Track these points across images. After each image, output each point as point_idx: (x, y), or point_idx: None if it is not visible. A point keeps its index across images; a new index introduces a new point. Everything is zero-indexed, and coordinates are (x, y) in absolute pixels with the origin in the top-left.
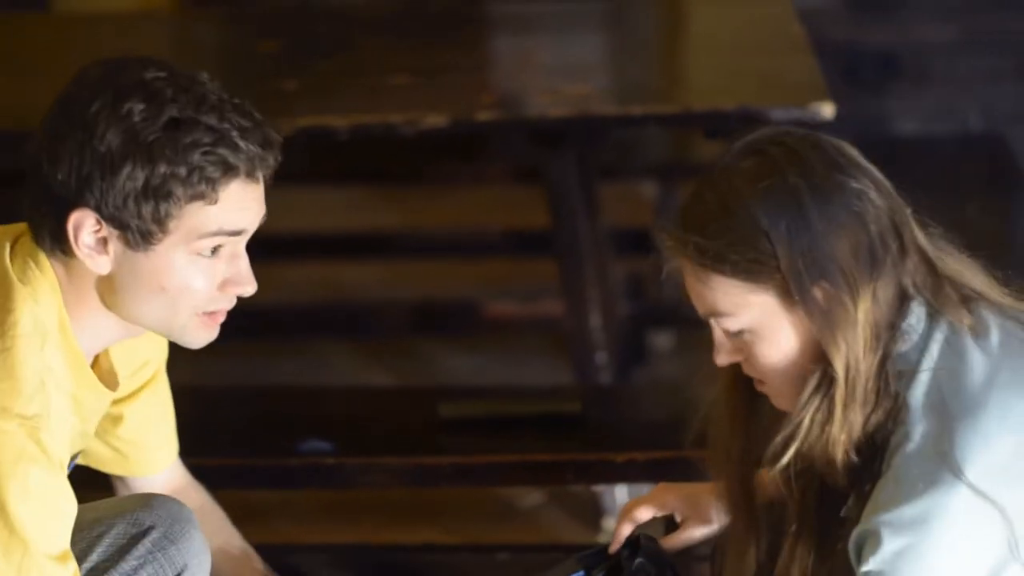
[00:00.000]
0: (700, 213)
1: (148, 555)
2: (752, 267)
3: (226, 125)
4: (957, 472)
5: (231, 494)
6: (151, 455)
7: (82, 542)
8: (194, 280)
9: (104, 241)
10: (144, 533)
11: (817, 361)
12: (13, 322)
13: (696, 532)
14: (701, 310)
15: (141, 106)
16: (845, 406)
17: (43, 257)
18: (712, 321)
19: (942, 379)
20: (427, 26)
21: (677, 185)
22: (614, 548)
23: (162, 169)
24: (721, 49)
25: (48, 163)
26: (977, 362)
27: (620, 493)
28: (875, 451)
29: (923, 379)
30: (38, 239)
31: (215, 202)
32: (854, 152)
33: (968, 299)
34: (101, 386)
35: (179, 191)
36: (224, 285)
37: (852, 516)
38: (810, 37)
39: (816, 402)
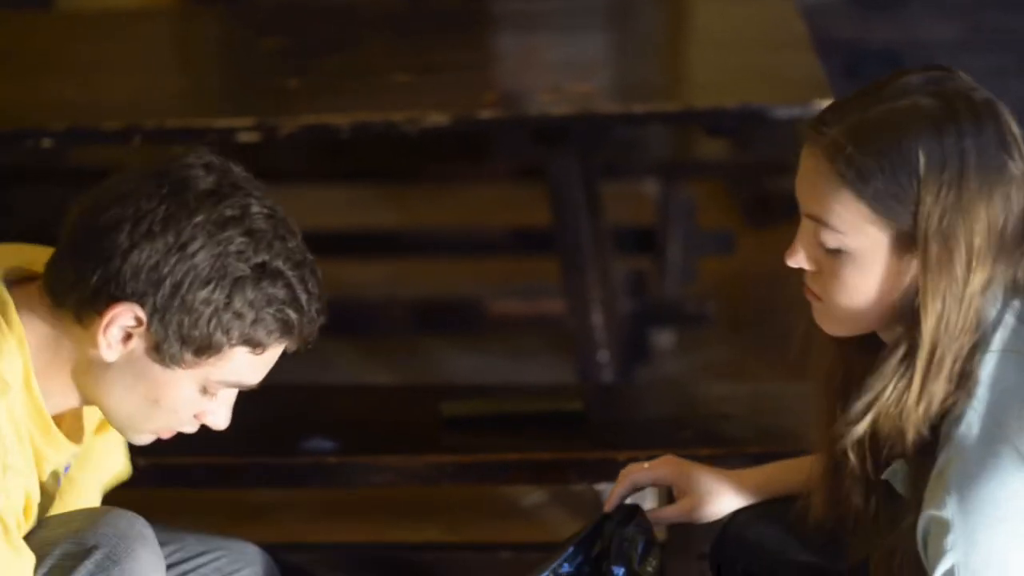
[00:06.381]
0: (866, 127)
1: None
2: (889, 201)
3: (301, 289)
4: None
5: (234, 492)
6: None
7: None
8: (183, 408)
9: (129, 337)
10: (87, 554)
11: (892, 318)
12: None
13: (686, 509)
14: (809, 210)
15: (242, 239)
16: (925, 377)
17: (12, 309)
18: (809, 222)
19: (1016, 360)
20: (429, 24)
21: (679, 183)
22: (609, 507)
23: (235, 308)
24: (723, 46)
25: (127, 241)
26: None
27: None
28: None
29: (991, 359)
30: (54, 292)
31: (259, 355)
32: (1019, 134)
33: None
34: (67, 442)
35: (236, 333)
36: (200, 415)
37: (895, 479)
38: (812, 34)
39: (902, 370)
